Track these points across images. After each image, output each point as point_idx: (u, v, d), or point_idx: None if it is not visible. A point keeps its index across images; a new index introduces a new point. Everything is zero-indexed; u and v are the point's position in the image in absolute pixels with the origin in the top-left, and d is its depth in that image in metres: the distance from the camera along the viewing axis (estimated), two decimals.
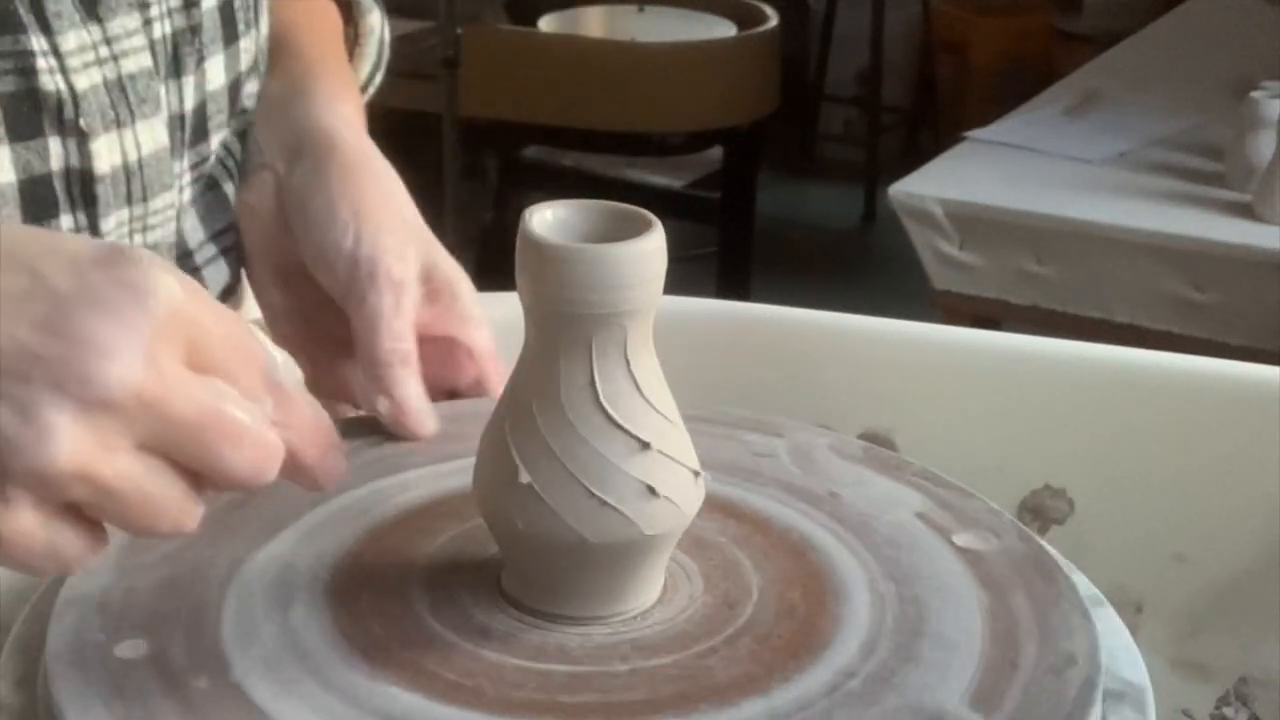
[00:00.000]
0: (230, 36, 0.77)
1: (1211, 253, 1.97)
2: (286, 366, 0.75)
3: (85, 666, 0.53)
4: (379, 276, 0.70)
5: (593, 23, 3.33)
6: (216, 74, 0.76)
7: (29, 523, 0.47)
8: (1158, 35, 2.88)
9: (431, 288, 0.72)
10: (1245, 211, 2.03)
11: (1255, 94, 2.10)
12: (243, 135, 0.83)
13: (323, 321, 0.74)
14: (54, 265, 0.47)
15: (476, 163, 3.31)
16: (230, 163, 0.83)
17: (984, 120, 2.43)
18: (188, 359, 0.48)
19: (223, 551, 0.60)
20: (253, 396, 0.49)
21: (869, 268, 3.59)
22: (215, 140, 0.78)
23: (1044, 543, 0.64)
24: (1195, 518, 0.79)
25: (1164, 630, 0.77)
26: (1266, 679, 0.77)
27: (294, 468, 0.52)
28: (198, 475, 0.49)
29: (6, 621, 0.59)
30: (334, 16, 0.90)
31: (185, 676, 0.53)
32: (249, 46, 0.79)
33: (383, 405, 0.69)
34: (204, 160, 0.78)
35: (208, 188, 0.80)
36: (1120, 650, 0.59)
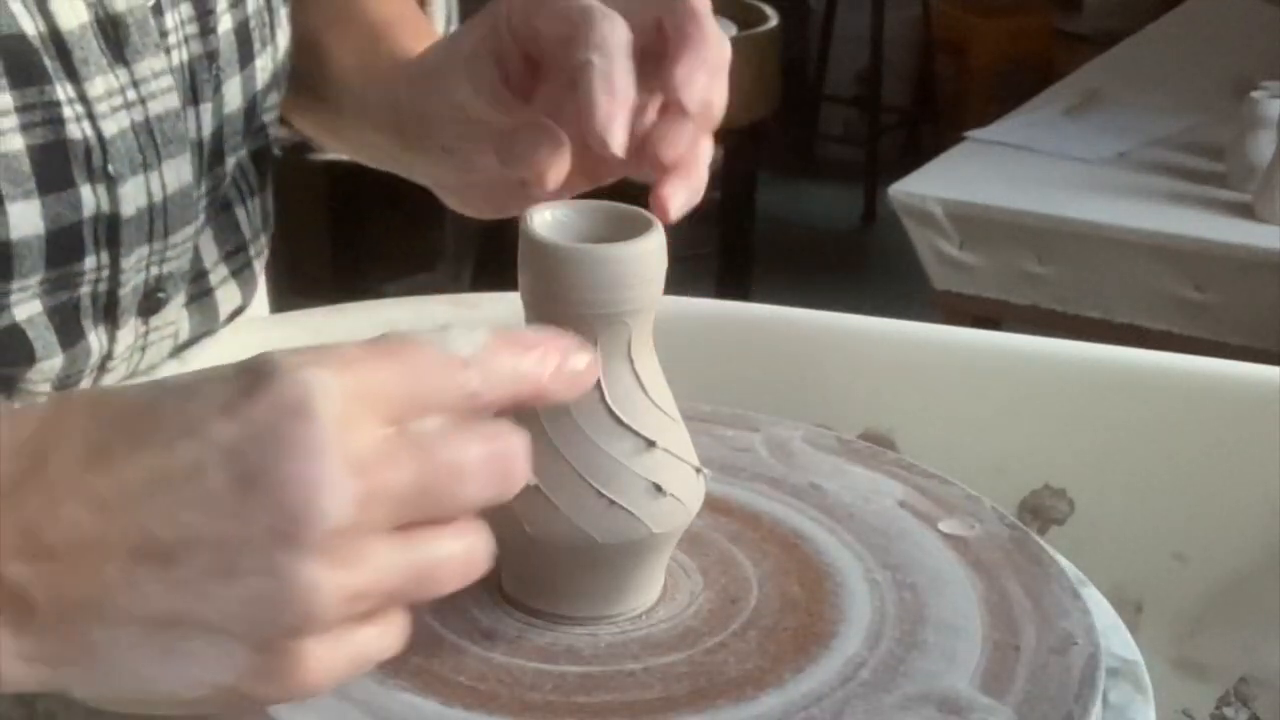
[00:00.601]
0: (246, 57, 0.76)
1: (1211, 253, 1.97)
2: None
3: None
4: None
5: None
6: (233, 97, 0.76)
7: (328, 658, 0.46)
8: (1158, 35, 2.88)
9: None
10: (1245, 211, 2.03)
11: (1255, 94, 2.10)
12: (257, 156, 0.82)
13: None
14: (205, 418, 0.44)
15: None
16: (244, 184, 0.82)
17: (984, 120, 2.43)
18: (380, 421, 0.45)
19: None
20: (449, 404, 0.46)
21: (869, 268, 3.59)
22: (230, 162, 0.77)
23: (1021, 524, 0.65)
24: (1195, 518, 0.80)
25: (1164, 630, 0.77)
26: (1266, 679, 0.77)
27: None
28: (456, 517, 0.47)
29: None
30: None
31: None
32: (265, 65, 0.78)
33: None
34: (220, 183, 0.77)
35: (221, 209, 0.80)
36: (1109, 629, 0.60)
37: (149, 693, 0.47)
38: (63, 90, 0.66)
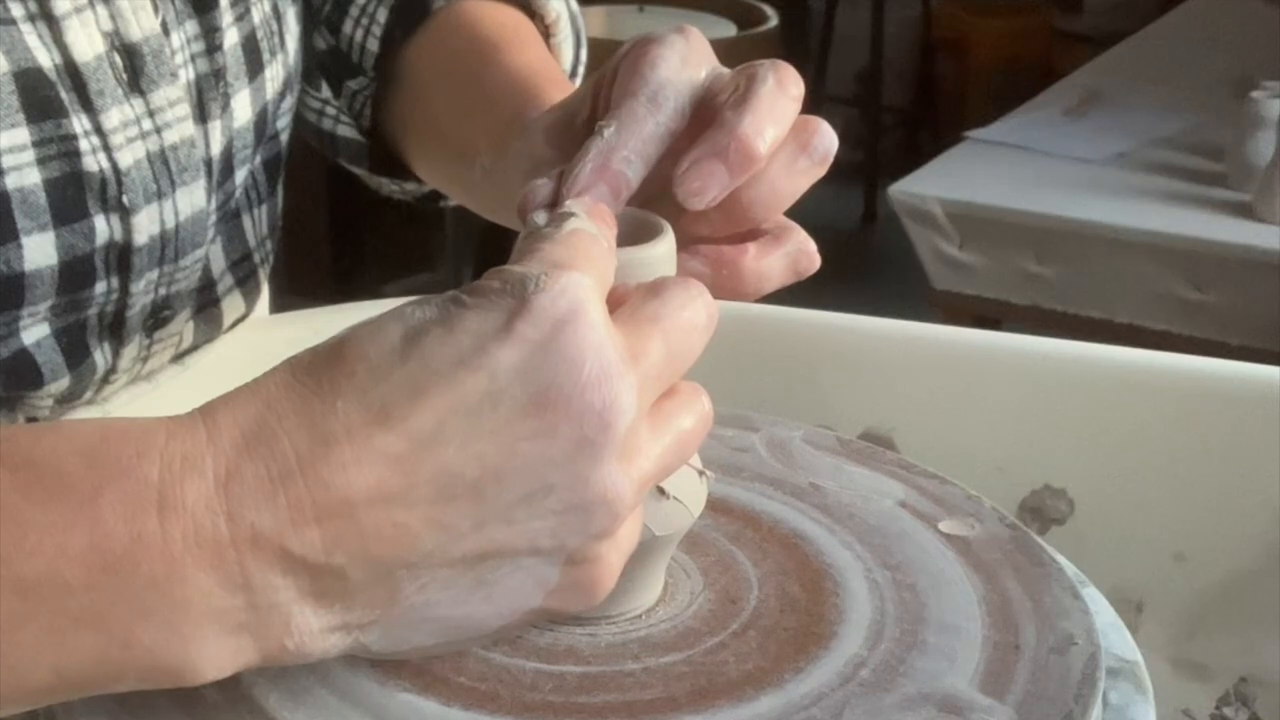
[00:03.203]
0: (255, 69, 0.75)
1: (1211, 253, 1.98)
2: None
3: None
4: None
5: (593, 23, 3.33)
6: (243, 110, 0.75)
7: (620, 556, 0.48)
8: (1158, 35, 2.88)
9: None
10: (1245, 211, 2.03)
11: (1255, 94, 2.11)
12: (269, 163, 0.82)
13: None
14: (481, 349, 0.45)
15: None
16: (254, 193, 0.81)
17: (984, 120, 2.43)
18: (606, 305, 0.47)
19: None
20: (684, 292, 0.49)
21: (869, 268, 3.59)
22: (240, 175, 0.77)
23: (1021, 524, 0.65)
24: (1195, 518, 0.79)
25: (1164, 630, 0.77)
26: (1266, 679, 0.77)
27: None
28: None
29: None
30: (523, 24, 0.85)
31: (193, 688, 0.53)
32: (275, 74, 0.77)
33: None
34: (229, 198, 0.77)
35: (230, 218, 0.80)
36: (1109, 629, 0.60)
37: (452, 633, 0.48)
38: (79, 123, 0.65)
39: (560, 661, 0.55)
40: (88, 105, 0.66)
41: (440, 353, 0.45)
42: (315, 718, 0.52)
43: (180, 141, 0.69)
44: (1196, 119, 2.34)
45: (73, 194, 0.66)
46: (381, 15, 0.83)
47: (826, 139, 0.58)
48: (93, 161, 0.66)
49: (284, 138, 0.82)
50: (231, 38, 0.74)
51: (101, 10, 0.66)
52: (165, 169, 0.69)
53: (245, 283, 0.81)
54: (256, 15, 0.75)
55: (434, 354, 0.45)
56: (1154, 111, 2.38)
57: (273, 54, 0.77)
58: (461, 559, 0.46)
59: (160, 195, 0.69)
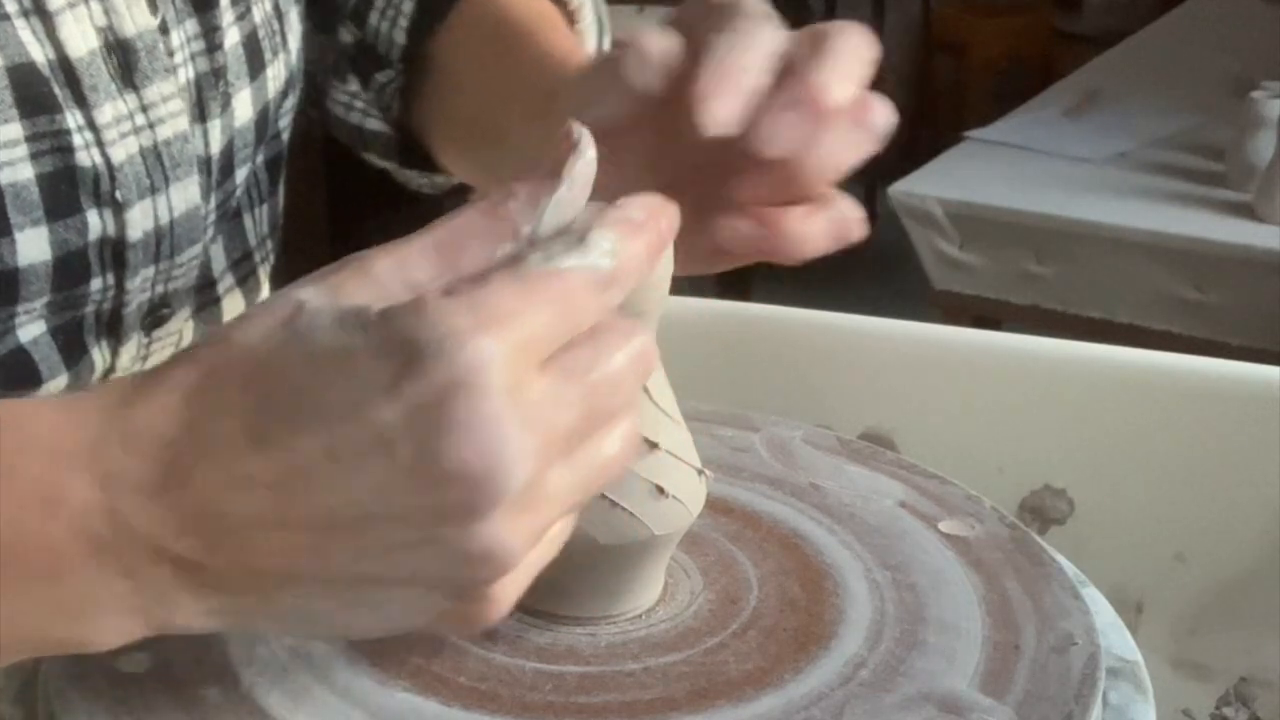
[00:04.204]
0: (256, 68, 0.75)
1: (1211, 253, 1.98)
2: None
3: (87, 681, 0.53)
4: None
5: None
6: (244, 110, 0.75)
7: (515, 588, 0.47)
8: (1158, 35, 2.88)
9: None
10: (1245, 211, 2.03)
11: (1255, 94, 2.11)
12: (270, 162, 0.81)
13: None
14: (367, 402, 0.43)
15: None
16: (256, 192, 0.81)
17: (984, 120, 2.43)
18: (540, 365, 0.45)
19: None
20: (593, 321, 0.46)
21: (869, 268, 3.58)
22: (241, 174, 0.76)
23: (1021, 524, 0.65)
24: (1195, 518, 0.80)
25: (1164, 630, 0.77)
26: (1266, 679, 0.77)
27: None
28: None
29: None
30: (549, 9, 0.84)
31: (193, 688, 0.53)
32: (277, 73, 0.77)
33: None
34: (229, 197, 0.76)
35: (232, 217, 0.79)
36: (1109, 629, 0.60)
37: (339, 632, 0.49)
38: (72, 118, 0.65)
39: (560, 661, 0.55)
40: (81, 101, 0.66)
41: (328, 394, 0.44)
42: (315, 718, 0.52)
43: (174, 137, 0.69)
44: (1196, 119, 2.34)
45: (65, 189, 0.66)
46: (407, 6, 0.83)
47: (882, 115, 0.58)
48: (86, 157, 0.66)
49: (285, 136, 0.82)
50: (232, 37, 0.73)
51: (95, 6, 0.66)
52: (159, 164, 0.69)
53: (246, 282, 0.81)
54: (258, 14, 0.75)
55: (323, 394, 0.44)
56: (1154, 111, 2.38)
57: (274, 53, 0.77)
58: (341, 581, 0.46)
59: (154, 191, 0.69)
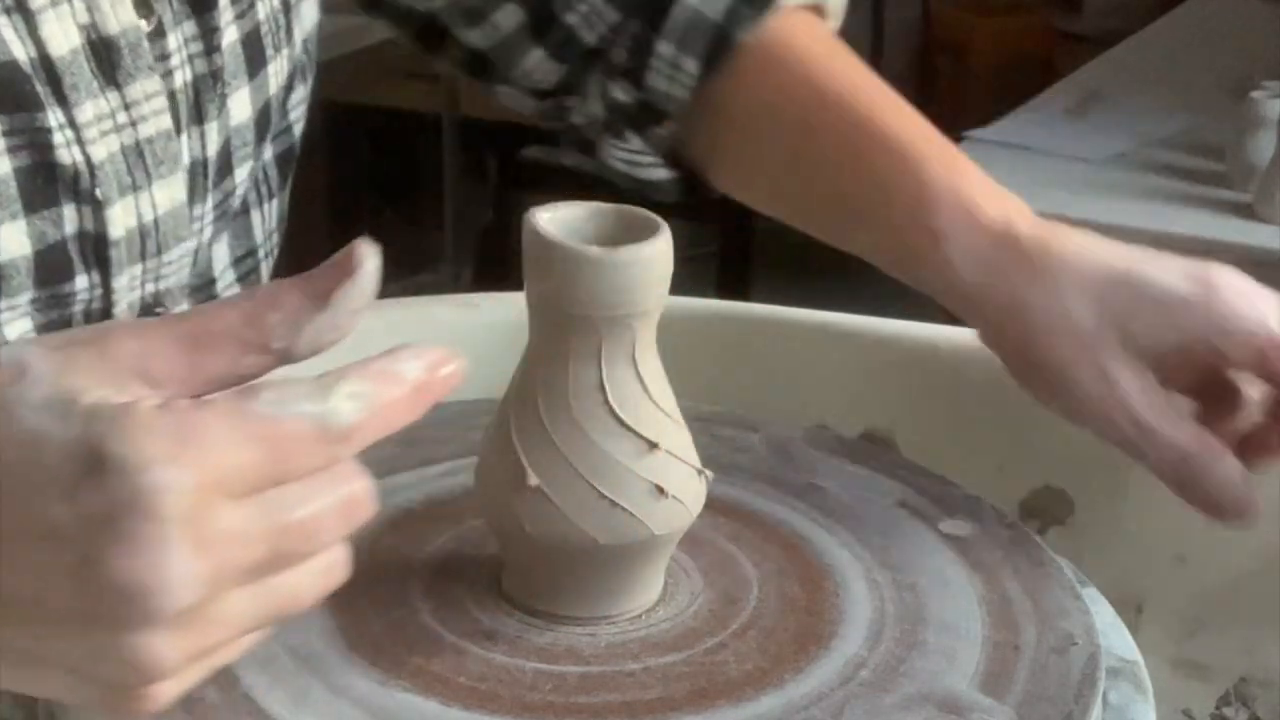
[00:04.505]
0: (256, 66, 0.75)
1: (1211, 253, 1.97)
2: None
3: None
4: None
5: None
6: (241, 109, 0.74)
7: (177, 687, 0.46)
8: (1158, 35, 2.88)
9: None
10: (1245, 211, 2.03)
11: (1255, 94, 2.10)
12: (281, 158, 0.81)
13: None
14: (43, 495, 0.43)
15: (476, 163, 3.31)
16: (265, 188, 0.80)
17: (984, 120, 2.43)
18: (235, 500, 0.44)
19: None
20: (314, 471, 0.46)
21: (869, 268, 3.58)
22: (241, 173, 0.76)
23: (1021, 524, 0.65)
24: (1195, 518, 0.79)
25: (1164, 630, 0.77)
26: (1266, 679, 0.77)
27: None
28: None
29: None
30: (838, 48, 0.81)
31: (193, 689, 0.53)
32: (279, 69, 0.76)
33: None
34: (228, 196, 0.76)
35: (239, 214, 0.79)
36: (1109, 629, 0.60)
37: (12, 688, 0.48)
38: (53, 116, 0.65)
39: (560, 661, 0.55)
40: (62, 99, 0.66)
41: (13, 472, 0.44)
42: (315, 718, 0.52)
43: (156, 135, 0.69)
44: (1196, 119, 2.33)
45: (42, 183, 0.66)
46: (690, 65, 0.79)
47: None
48: (65, 155, 0.66)
49: (297, 130, 0.82)
50: (230, 36, 0.73)
51: (78, 3, 0.66)
52: (140, 162, 0.69)
53: (247, 279, 0.81)
54: (262, 10, 0.75)
55: (9, 469, 0.44)
56: (1154, 111, 2.38)
57: (277, 49, 0.76)
58: (7, 648, 0.46)
59: (135, 188, 0.69)
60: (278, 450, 0.44)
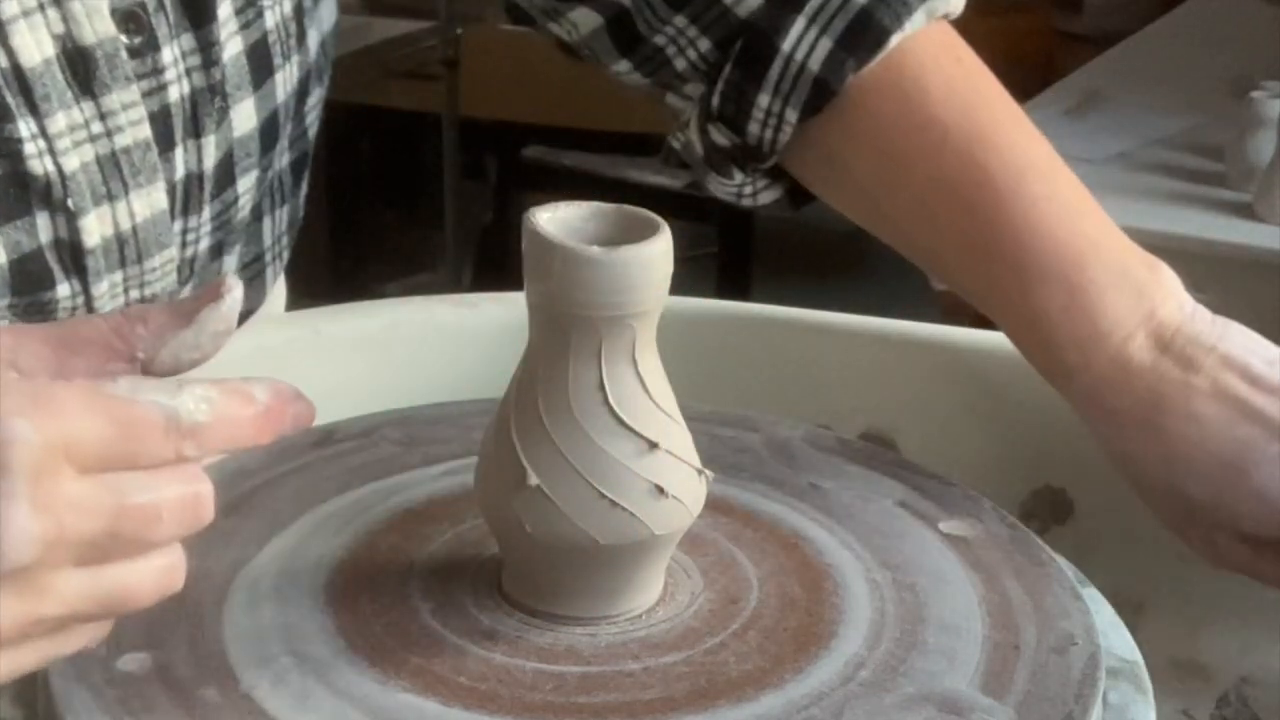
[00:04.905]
0: (262, 76, 0.74)
1: (1211, 253, 1.97)
2: None
3: (88, 681, 0.53)
4: None
5: None
6: (244, 120, 0.74)
7: (10, 663, 0.47)
8: (1158, 35, 2.88)
9: None
10: (1245, 211, 2.03)
11: (1255, 94, 2.10)
12: (296, 164, 0.80)
13: None
14: None
15: (476, 163, 3.31)
16: (278, 194, 0.80)
17: None
18: (80, 470, 0.46)
19: (217, 560, 0.60)
20: (159, 462, 0.47)
21: (869, 268, 3.58)
22: (245, 183, 0.76)
23: (1021, 524, 0.65)
24: None
25: (1164, 630, 0.77)
26: (1266, 679, 0.77)
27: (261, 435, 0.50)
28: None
29: None
30: (978, 76, 0.80)
31: (193, 688, 0.53)
32: (288, 76, 0.76)
33: None
34: (230, 206, 0.75)
35: (253, 220, 0.78)
36: (1109, 629, 0.60)
37: None
38: (25, 126, 0.65)
39: (560, 661, 0.55)
40: (34, 109, 0.66)
41: None
42: (315, 718, 0.52)
43: (134, 145, 0.69)
44: (1196, 119, 2.33)
45: (15, 192, 0.66)
46: (792, 116, 0.76)
47: None
48: (38, 165, 0.66)
49: (312, 133, 0.82)
50: (233, 48, 0.73)
51: (53, 13, 0.66)
52: (116, 171, 0.68)
53: (250, 283, 0.81)
54: (270, 20, 0.74)
55: None
56: (1154, 111, 2.38)
57: (286, 57, 0.76)
58: None
59: (111, 198, 0.68)
60: (127, 430, 0.46)
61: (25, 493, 0.44)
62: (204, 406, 0.47)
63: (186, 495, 0.48)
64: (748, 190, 0.82)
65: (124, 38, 0.68)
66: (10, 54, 0.65)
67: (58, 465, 0.45)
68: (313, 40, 0.78)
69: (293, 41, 0.76)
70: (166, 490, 0.47)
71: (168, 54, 0.70)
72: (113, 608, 0.48)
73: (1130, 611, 0.76)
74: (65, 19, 0.66)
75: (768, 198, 0.83)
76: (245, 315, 0.82)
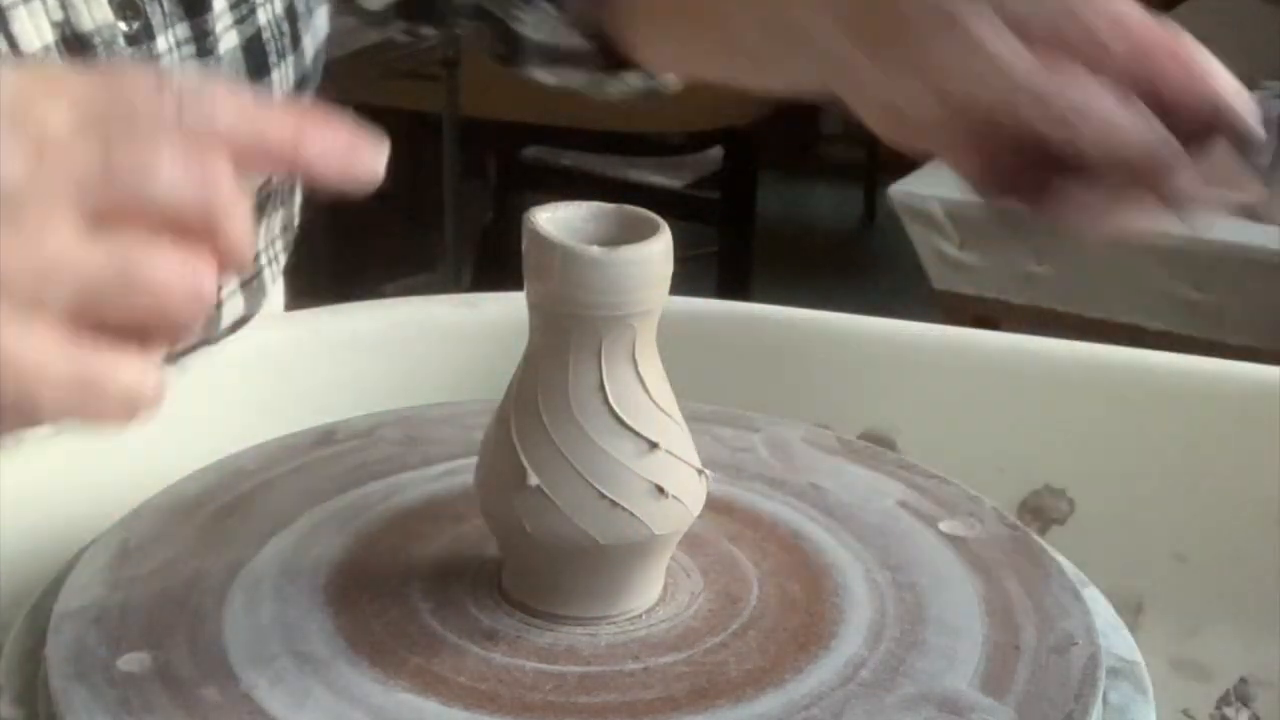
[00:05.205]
0: (258, 72, 0.74)
1: (1211, 253, 1.97)
2: None
3: (88, 681, 0.53)
4: None
5: None
6: None
7: (37, 354, 0.44)
8: None
9: None
10: (1246, 211, 2.03)
11: (1255, 94, 2.10)
12: None
13: None
14: None
15: (476, 163, 3.31)
16: (278, 198, 0.80)
17: None
18: (69, 110, 0.44)
19: (217, 560, 0.60)
20: (150, 113, 0.45)
21: (869, 268, 3.59)
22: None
23: (1021, 524, 0.65)
24: (1195, 518, 0.80)
25: (1164, 630, 0.77)
26: (1266, 679, 0.77)
27: (282, 157, 0.47)
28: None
29: (6, 622, 0.59)
30: None
31: (194, 688, 0.53)
32: (283, 76, 0.76)
33: None
34: None
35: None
36: (1109, 629, 0.60)
37: None
38: None
39: (560, 661, 0.55)
40: None
41: None
42: (315, 718, 0.52)
43: None
44: None
45: None
46: None
47: None
48: None
49: None
50: (229, 41, 0.73)
51: (51, 0, 0.66)
52: None
53: (248, 284, 0.81)
54: (263, 16, 0.74)
55: None
56: None
57: (281, 56, 0.76)
58: None
59: None
60: (111, 78, 0.45)
61: (8, 116, 0.43)
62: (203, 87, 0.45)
63: (191, 161, 0.45)
64: (546, 26, 0.81)
65: (122, 24, 0.68)
66: (10, 40, 0.65)
67: (46, 100, 0.44)
68: (308, 45, 0.78)
69: (287, 42, 0.76)
70: (163, 151, 0.44)
71: (162, 42, 0.70)
72: (131, 284, 0.44)
73: (1130, 611, 0.76)
74: (64, 5, 0.66)
75: (574, 42, 0.82)
76: (242, 320, 0.82)
